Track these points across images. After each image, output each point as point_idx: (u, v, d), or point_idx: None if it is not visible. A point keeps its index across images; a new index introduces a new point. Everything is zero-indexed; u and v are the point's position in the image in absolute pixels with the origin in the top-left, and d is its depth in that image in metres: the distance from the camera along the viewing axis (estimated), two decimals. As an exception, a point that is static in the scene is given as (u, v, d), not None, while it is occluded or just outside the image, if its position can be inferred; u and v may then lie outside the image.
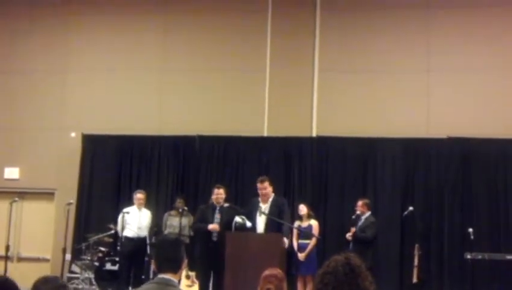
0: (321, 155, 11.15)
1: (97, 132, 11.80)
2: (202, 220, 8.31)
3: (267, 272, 4.35)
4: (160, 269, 3.52)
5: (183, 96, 11.79)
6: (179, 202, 9.82)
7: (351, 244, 9.06)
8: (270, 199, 7.93)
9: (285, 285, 4.37)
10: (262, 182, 7.92)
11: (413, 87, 11.07)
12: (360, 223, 9.12)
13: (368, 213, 9.27)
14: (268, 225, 7.82)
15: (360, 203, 9.29)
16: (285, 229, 7.86)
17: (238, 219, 7.77)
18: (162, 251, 3.63)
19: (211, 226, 8.01)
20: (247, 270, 7.19)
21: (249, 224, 7.72)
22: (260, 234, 7.71)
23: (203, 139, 11.50)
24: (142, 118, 11.72)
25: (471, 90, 10.88)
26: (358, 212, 9.20)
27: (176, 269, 3.53)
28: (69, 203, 9.14)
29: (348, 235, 9.03)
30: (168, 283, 3.46)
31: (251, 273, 7.16)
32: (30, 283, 3.20)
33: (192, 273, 9.58)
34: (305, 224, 9.40)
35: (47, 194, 11.95)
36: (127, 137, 11.74)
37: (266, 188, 7.88)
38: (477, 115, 10.72)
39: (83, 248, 10.77)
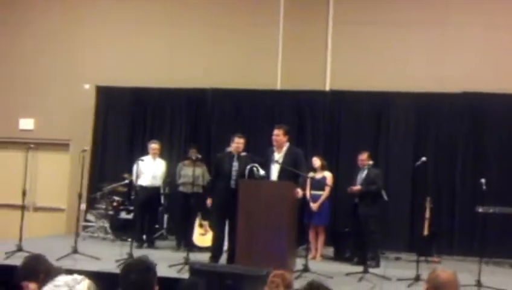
0: (334, 109, 11.16)
1: (111, 83, 11.87)
2: (217, 175, 8.38)
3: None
4: None
5: (197, 50, 11.74)
6: (192, 151, 9.87)
7: (356, 198, 9.06)
8: (285, 148, 7.95)
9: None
10: (278, 128, 7.98)
11: (428, 41, 10.96)
12: (364, 175, 9.03)
13: (370, 164, 9.17)
14: (281, 174, 7.85)
15: (365, 155, 9.20)
16: (300, 180, 7.91)
17: (252, 167, 7.83)
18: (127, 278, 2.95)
19: (209, 201, 8.42)
20: (260, 217, 7.28)
21: (262, 172, 7.77)
22: (273, 181, 7.74)
23: (216, 92, 11.52)
24: (156, 71, 11.74)
25: (486, 45, 10.76)
26: (370, 162, 9.09)
27: None
28: (84, 150, 9.16)
29: (355, 189, 9.00)
30: None
31: (264, 219, 7.27)
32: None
33: (205, 223, 9.73)
34: (319, 176, 9.45)
35: (61, 145, 12.09)
36: (140, 89, 11.80)
37: (279, 135, 7.92)
38: (491, 70, 10.63)
39: (98, 197, 10.95)
